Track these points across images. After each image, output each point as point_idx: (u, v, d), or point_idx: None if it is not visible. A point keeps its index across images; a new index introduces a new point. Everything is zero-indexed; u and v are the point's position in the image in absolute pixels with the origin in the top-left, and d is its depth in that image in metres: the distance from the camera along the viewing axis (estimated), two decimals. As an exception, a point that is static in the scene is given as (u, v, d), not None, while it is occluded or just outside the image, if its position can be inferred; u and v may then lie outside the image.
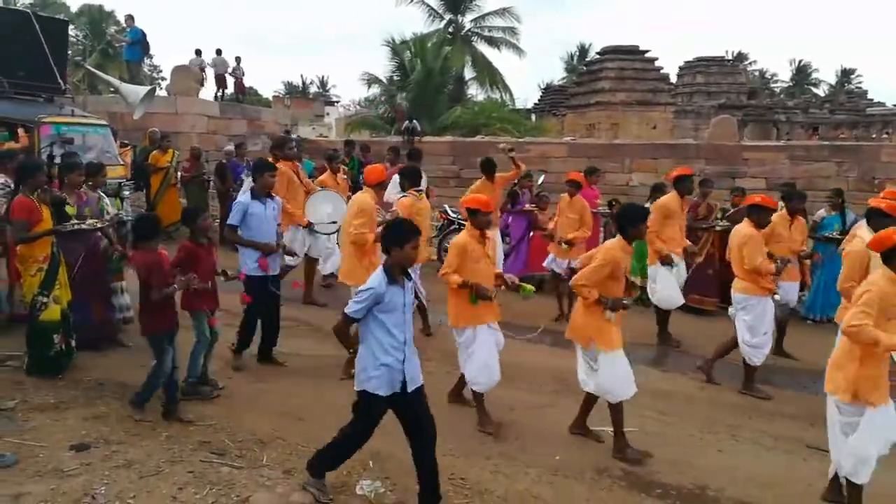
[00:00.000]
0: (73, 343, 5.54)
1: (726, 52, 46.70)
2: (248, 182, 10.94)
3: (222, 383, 5.43)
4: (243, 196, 6.02)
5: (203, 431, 4.58)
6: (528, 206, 9.57)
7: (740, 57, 50.94)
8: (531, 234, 9.45)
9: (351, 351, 3.74)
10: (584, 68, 31.84)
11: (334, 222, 7.68)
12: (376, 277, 3.60)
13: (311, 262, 8.34)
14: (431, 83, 23.83)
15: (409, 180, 6.72)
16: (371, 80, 26.60)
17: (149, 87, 11.55)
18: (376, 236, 5.55)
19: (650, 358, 7.03)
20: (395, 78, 26.36)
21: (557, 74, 60.60)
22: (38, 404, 4.78)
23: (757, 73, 52.81)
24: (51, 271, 5.31)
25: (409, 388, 3.66)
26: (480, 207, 5.04)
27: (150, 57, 35.89)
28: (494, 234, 5.34)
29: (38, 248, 5.27)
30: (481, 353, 4.99)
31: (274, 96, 36.42)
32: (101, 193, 6.42)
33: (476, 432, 4.94)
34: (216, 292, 5.24)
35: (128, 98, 10.66)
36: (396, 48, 25.94)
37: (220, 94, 18.87)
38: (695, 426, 5.34)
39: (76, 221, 5.69)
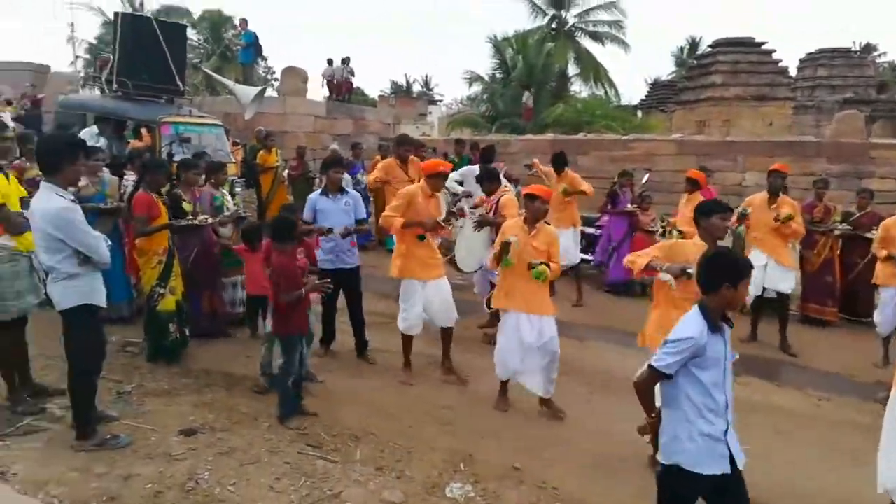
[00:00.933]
0: (187, 332, 5.83)
1: (853, 42, 43.40)
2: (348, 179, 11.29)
3: (321, 377, 5.54)
4: (314, 193, 6.24)
5: (300, 424, 4.69)
6: (629, 207, 9.23)
7: (868, 48, 47.20)
8: (634, 235, 9.12)
9: (653, 416, 3.03)
10: (695, 62, 30.51)
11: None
12: (695, 323, 2.83)
13: None
14: (533, 80, 23.56)
15: (490, 179, 6.70)
16: (473, 79, 26.64)
17: (259, 88, 12.05)
18: (406, 223, 5.52)
19: (764, 370, 6.59)
20: (497, 76, 26.24)
21: (666, 69, 58.53)
22: (153, 389, 5.05)
23: (887, 65, 48.78)
24: (168, 264, 5.61)
25: (737, 466, 2.91)
26: (540, 194, 5.06)
27: (265, 59, 37.57)
28: (551, 229, 5.33)
29: (157, 241, 5.57)
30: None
31: (380, 96, 37.16)
32: (224, 191, 6.72)
33: (569, 439, 4.80)
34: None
35: (240, 99, 11.15)
36: (499, 45, 25.81)
37: (332, 97, 19.49)
38: (809, 447, 4.95)
39: (191, 217, 5.99)
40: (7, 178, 4.51)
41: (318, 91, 19.04)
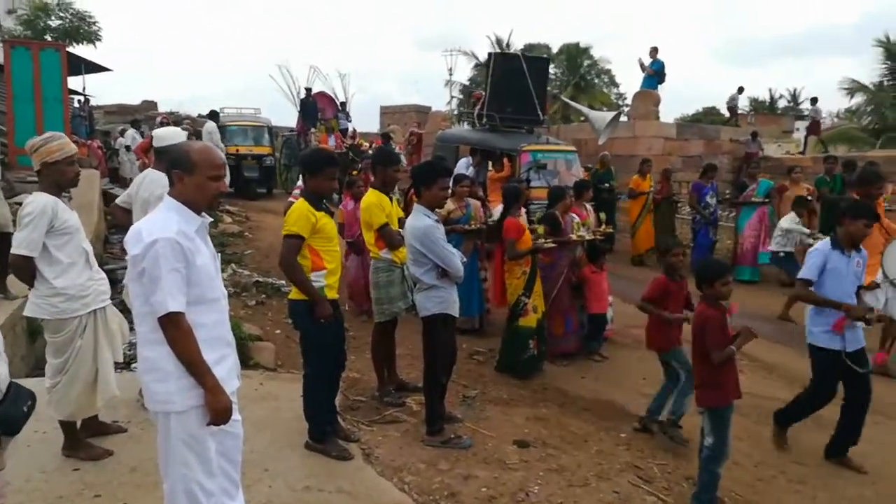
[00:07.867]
0: (544, 350, 6.05)
1: None
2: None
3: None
4: (823, 244, 4.67)
5: (632, 454, 4.52)
6: None
7: None
8: None
9: None
10: None
11: None
12: None
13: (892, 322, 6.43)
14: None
15: None
16: (854, 89, 23.18)
17: (613, 114, 12.20)
18: None
19: None
20: (886, 83, 22.45)
21: None
22: (493, 397, 5.36)
23: None
24: (531, 277, 5.95)
25: None
26: None
27: (616, 86, 37.76)
28: None
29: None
30: None
31: (738, 114, 34.84)
32: (573, 215, 6.77)
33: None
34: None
35: (595, 124, 11.42)
36: (891, 48, 22.04)
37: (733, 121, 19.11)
38: None
39: (550, 240, 6.24)
40: (391, 200, 5.25)
41: (668, 114, 18.36)
